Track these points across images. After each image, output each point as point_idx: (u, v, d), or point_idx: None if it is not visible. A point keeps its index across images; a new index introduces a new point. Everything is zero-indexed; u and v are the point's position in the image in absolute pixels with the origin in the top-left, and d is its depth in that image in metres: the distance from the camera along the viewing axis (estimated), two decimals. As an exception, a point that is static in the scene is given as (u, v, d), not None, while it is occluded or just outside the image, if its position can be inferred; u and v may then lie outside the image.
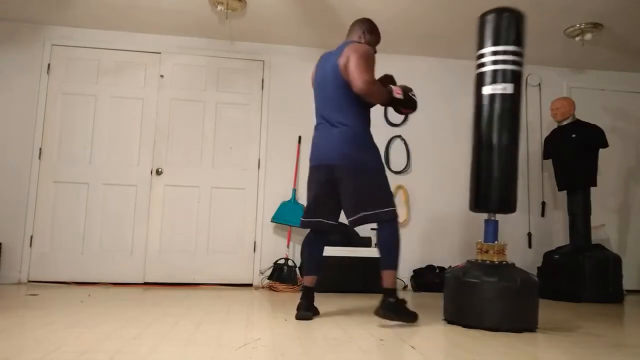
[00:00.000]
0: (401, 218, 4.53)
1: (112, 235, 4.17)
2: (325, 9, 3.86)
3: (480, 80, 2.57)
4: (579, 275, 3.89)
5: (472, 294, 2.43)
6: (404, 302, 2.53)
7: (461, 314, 2.48)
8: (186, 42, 4.45)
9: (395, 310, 2.47)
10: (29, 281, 4.02)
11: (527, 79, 4.84)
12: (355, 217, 2.54)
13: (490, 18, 2.53)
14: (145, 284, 4.14)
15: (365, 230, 3.89)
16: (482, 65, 2.56)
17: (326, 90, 2.66)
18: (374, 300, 2.57)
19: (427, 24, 4.07)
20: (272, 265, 4.13)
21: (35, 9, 4.01)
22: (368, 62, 2.54)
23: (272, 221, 4.24)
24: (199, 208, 4.30)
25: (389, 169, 4.53)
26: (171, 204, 4.26)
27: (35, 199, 4.10)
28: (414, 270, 4.38)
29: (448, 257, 4.50)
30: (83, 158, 4.22)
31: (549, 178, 4.72)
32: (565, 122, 4.26)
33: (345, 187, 2.55)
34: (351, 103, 2.59)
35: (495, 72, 2.50)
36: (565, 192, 4.27)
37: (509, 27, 2.51)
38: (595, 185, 4.13)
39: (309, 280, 2.70)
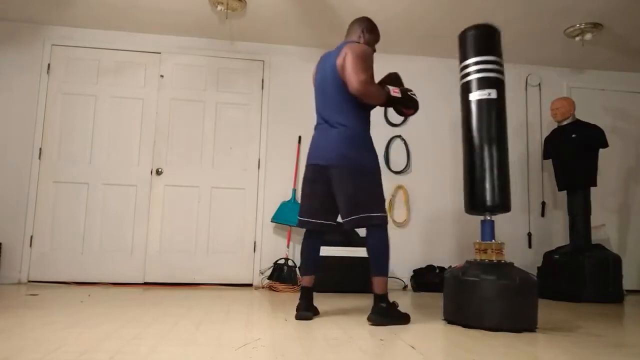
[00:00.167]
0: (401, 218, 4.54)
1: (112, 235, 4.17)
2: (325, 9, 3.86)
3: (466, 89, 2.71)
4: (579, 275, 3.89)
5: (472, 293, 2.44)
6: (395, 305, 2.55)
7: (461, 314, 2.49)
8: (186, 42, 4.45)
9: (387, 315, 2.49)
10: (29, 281, 4.02)
11: (527, 79, 4.84)
12: (348, 219, 2.53)
13: (470, 34, 2.74)
14: (145, 284, 4.14)
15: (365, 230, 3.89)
16: (467, 75, 2.71)
17: (326, 91, 2.66)
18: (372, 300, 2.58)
19: (427, 24, 4.07)
20: (272, 265, 4.13)
21: (35, 9, 4.01)
22: (365, 61, 2.53)
23: (272, 221, 4.24)
24: (199, 208, 4.30)
25: (389, 169, 4.53)
26: (171, 204, 4.26)
27: (35, 199, 4.10)
28: (414, 270, 4.38)
29: (448, 257, 4.50)
30: (83, 158, 4.22)
31: (549, 178, 4.72)
32: (565, 122, 4.26)
33: (341, 188, 2.55)
34: (350, 104, 2.58)
35: (479, 79, 2.65)
36: (565, 192, 4.27)
37: (488, 40, 2.71)
38: (595, 185, 4.13)
39: (307, 281, 2.70)
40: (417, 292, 4.19)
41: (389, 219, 4.34)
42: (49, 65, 4.25)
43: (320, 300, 3.09)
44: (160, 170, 4.28)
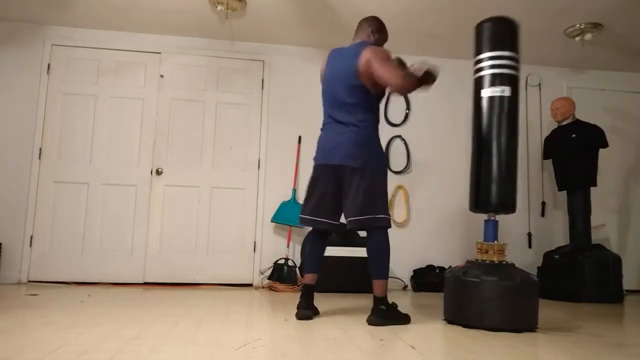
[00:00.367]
0: (401, 218, 4.53)
1: (112, 235, 4.17)
2: (325, 9, 3.86)
3: (478, 84, 2.65)
4: (579, 275, 3.89)
5: (472, 293, 2.43)
6: (394, 306, 2.55)
7: (461, 314, 2.49)
8: (186, 42, 4.45)
9: (387, 316, 2.49)
10: (29, 281, 4.02)
11: (527, 79, 4.84)
12: (353, 219, 2.53)
13: (487, 26, 2.65)
14: (145, 284, 4.14)
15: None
16: (481, 69, 2.64)
17: (336, 90, 2.63)
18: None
19: (427, 24, 4.07)
20: (272, 265, 4.13)
21: (35, 9, 4.01)
22: (390, 60, 2.56)
23: (272, 221, 4.24)
24: (199, 208, 4.30)
25: (389, 169, 4.53)
26: (171, 204, 4.26)
27: (35, 199, 4.10)
28: (414, 270, 4.37)
29: (448, 257, 4.50)
30: (83, 158, 4.22)
31: (549, 178, 4.72)
32: (565, 122, 4.26)
33: (349, 188, 2.55)
34: (362, 104, 2.58)
35: (493, 75, 2.59)
36: (565, 192, 4.27)
37: (505, 34, 2.62)
38: (595, 185, 4.13)
39: (309, 278, 2.70)
40: (417, 292, 4.19)
41: (389, 219, 4.33)
42: (49, 65, 4.25)
43: (320, 300, 3.09)
44: (160, 170, 4.27)
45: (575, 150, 4.13)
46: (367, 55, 2.55)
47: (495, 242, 2.58)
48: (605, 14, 3.80)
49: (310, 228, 2.80)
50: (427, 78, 2.60)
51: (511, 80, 2.58)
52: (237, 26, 4.23)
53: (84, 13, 4.06)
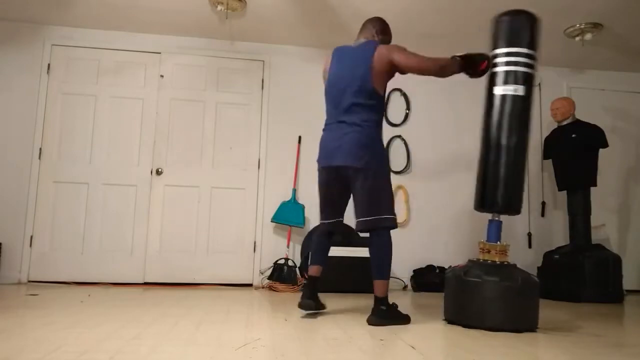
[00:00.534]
0: (401, 218, 4.53)
1: (112, 235, 4.17)
2: (325, 9, 3.86)
3: (492, 81, 2.57)
4: (579, 275, 3.89)
5: (473, 294, 2.43)
6: (395, 306, 2.55)
7: (462, 314, 2.48)
8: (186, 42, 4.45)
9: (388, 317, 2.49)
10: (29, 281, 4.02)
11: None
12: (362, 219, 2.55)
13: (505, 19, 2.54)
14: (145, 284, 4.14)
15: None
16: (495, 65, 2.56)
17: (342, 90, 2.62)
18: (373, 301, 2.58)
19: (427, 24, 4.07)
20: (272, 265, 4.13)
21: (35, 9, 4.01)
22: (409, 51, 2.56)
23: (272, 221, 4.24)
24: (199, 208, 4.30)
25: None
26: (171, 204, 4.26)
27: (35, 199, 4.10)
28: (414, 270, 4.37)
29: (448, 257, 4.50)
30: (83, 158, 4.22)
31: (549, 178, 4.72)
32: (565, 122, 4.26)
33: (355, 189, 2.56)
34: (368, 104, 2.57)
35: (507, 73, 2.50)
36: (565, 192, 4.27)
37: (523, 29, 2.51)
38: (595, 185, 4.13)
39: (314, 270, 2.71)
40: (417, 292, 4.19)
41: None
42: (49, 65, 4.25)
43: (321, 300, 3.08)
44: (160, 170, 4.27)
45: (575, 150, 4.13)
46: (385, 54, 2.54)
47: (498, 242, 2.57)
48: (605, 14, 3.80)
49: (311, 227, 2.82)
50: (472, 61, 2.54)
51: (526, 79, 2.49)
52: (237, 26, 4.23)
53: (84, 13, 4.06)
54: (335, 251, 3.90)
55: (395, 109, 4.67)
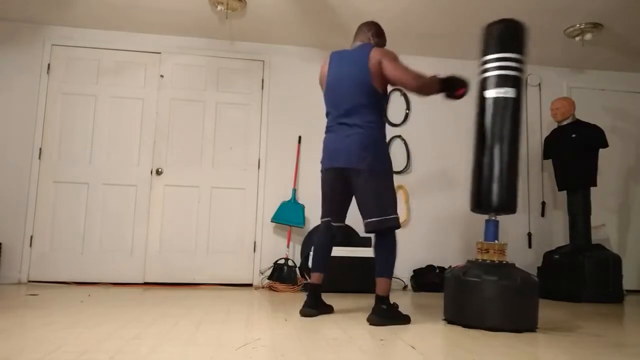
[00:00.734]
0: (401, 218, 4.52)
1: (112, 235, 4.17)
2: (325, 9, 3.86)
3: (483, 85, 2.65)
4: (579, 275, 3.89)
5: (473, 293, 2.43)
6: (395, 306, 2.55)
7: (461, 314, 2.49)
8: (186, 42, 4.45)
9: (388, 316, 2.50)
10: (29, 281, 4.02)
11: (527, 79, 4.83)
12: (369, 220, 2.56)
13: (495, 28, 2.65)
14: (145, 284, 4.14)
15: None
16: (486, 70, 2.64)
17: (343, 92, 2.64)
18: (374, 300, 2.58)
19: (427, 24, 4.07)
20: (272, 265, 4.13)
21: (35, 9, 4.01)
22: (398, 60, 2.59)
23: (272, 221, 4.24)
24: (199, 208, 4.30)
25: (389, 169, 4.53)
26: (171, 204, 4.26)
27: (35, 199, 4.10)
28: (414, 270, 4.38)
29: (448, 257, 4.50)
30: (83, 158, 4.22)
31: (549, 178, 4.72)
32: (565, 122, 4.26)
33: (358, 190, 2.58)
34: (369, 105, 2.59)
35: (498, 77, 2.59)
36: (565, 192, 4.27)
37: (512, 36, 2.62)
38: (595, 185, 4.13)
39: (316, 278, 2.72)
40: (417, 292, 4.19)
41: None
42: (49, 65, 4.25)
43: (320, 300, 3.08)
44: (160, 170, 4.27)
45: (575, 150, 4.13)
46: (376, 56, 2.57)
47: (496, 241, 2.58)
48: (605, 14, 3.80)
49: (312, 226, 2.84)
50: (452, 84, 2.63)
51: (515, 82, 2.59)
52: (237, 26, 4.23)
53: (84, 13, 4.06)
54: (335, 251, 3.86)
55: (395, 109, 4.67)
